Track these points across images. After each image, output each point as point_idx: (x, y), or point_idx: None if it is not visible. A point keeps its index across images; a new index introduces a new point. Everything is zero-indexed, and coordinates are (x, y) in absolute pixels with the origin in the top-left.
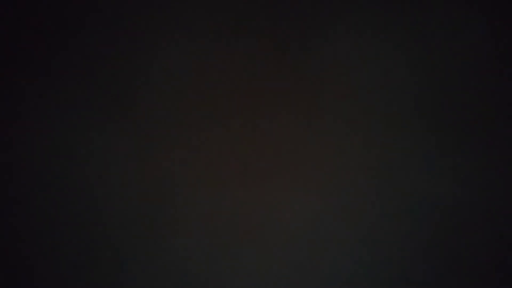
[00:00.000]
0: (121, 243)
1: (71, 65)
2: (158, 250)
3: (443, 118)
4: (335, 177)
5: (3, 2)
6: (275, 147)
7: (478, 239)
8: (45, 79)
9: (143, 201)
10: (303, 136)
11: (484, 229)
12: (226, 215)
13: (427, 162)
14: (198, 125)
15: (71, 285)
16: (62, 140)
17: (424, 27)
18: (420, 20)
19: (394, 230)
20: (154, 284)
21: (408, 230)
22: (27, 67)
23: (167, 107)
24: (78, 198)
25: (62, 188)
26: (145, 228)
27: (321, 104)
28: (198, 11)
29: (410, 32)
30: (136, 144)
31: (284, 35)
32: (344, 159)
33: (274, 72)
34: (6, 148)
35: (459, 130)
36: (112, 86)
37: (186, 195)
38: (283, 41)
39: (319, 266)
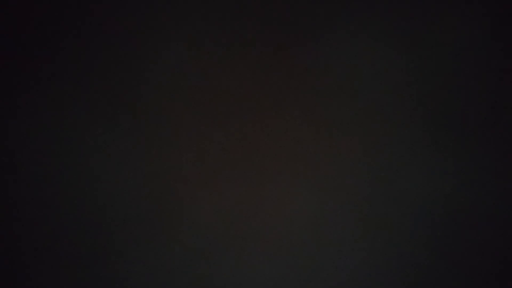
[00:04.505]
0: (122, 242)
1: (73, 66)
2: (159, 250)
3: (443, 118)
4: (335, 177)
5: (3, 2)
6: (276, 147)
7: (479, 239)
8: (48, 79)
9: (144, 201)
10: (304, 136)
11: (485, 229)
12: (226, 214)
13: (427, 162)
14: (199, 125)
15: (72, 285)
16: (65, 140)
17: (424, 28)
18: (420, 21)
19: (394, 230)
20: (154, 283)
21: (408, 230)
22: (29, 68)
23: (169, 108)
24: (79, 197)
25: (64, 188)
26: (146, 228)
27: (321, 104)
28: (198, 12)
29: (410, 33)
30: (137, 144)
31: (284, 36)
32: (345, 159)
33: (274, 72)
34: (8, 148)
35: (459, 130)
36: (114, 87)
37: (186, 195)
38: (283, 42)
39: (319, 265)
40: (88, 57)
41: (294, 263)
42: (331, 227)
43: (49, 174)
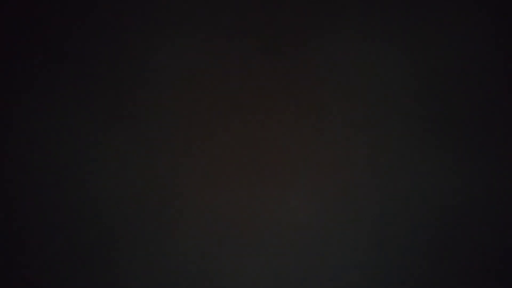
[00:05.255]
0: (122, 243)
1: (70, 66)
2: (158, 250)
3: (443, 117)
4: (335, 177)
5: (3, 2)
6: (275, 147)
7: (479, 239)
8: (45, 80)
9: (143, 202)
10: (303, 136)
11: (485, 229)
12: (226, 215)
13: (427, 162)
14: (198, 125)
15: (71, 285)
16: (62, 141)
17: (424, 27)
18: (420, 20)
19: (394, 230)
20: (154, 284)
21: (408, 230)
22: (26, 69)
23: (167, 108)
24: (78, 199)
25: (62, 189)
26: (145, 228)
27: (321, 104)
28: (197, 11)
29: (410, 32)
30: (136, 144)
31: (284, 34)
32: (344, 159)
33: (274, 72)
34: (6, 150)
35: (460, 130)
36: (111, 87)
37: (186, 195)
38: (283, 41)
39: (319, 266)
40: (86, 57)
41: (295, 264)
42: (332, 227)
43: (47, 175)
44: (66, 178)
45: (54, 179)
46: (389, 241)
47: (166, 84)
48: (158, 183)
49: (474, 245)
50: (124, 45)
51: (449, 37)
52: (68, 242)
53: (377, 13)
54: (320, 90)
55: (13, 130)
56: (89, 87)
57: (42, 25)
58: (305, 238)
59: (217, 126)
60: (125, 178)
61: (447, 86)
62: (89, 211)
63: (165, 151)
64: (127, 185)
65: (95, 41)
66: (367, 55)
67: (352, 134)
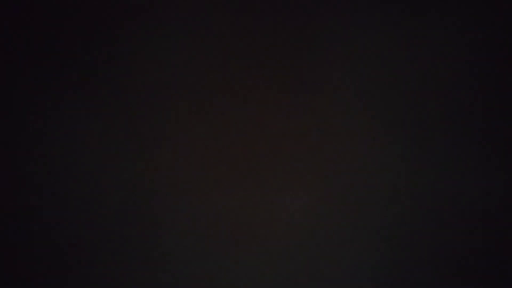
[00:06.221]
0: (117, 244)
1: (68, 64)
2: (155, 251)
3: (443, 117)
4: (334, 177)
5: (3, 2)
6: (274, 147)
7: (478, 239)
8: (44, 77)
9: (140, 202)
10: (302, 136)
11: (484, 229)
12: (224, 215)
13: (426, 162)
14: (196, 125)
15: (68, 285)
16: (57, 139)
17: (425, 28)
18: (421, 20)
19: (393, 230)
20: (151, 284)
21: (407, 230)
22: (25, 69)
23: (164, 107)
24: (74, 198)
25: (61, 189)
26: (141, 229)
27: (320, 104)
28: (197, 9)
29: (410, 32)
30: (132, 144)
31: (284, 34)
32: (344, 159)
33: (272, 72)
34: (5, 150)
35: (459, 130)
36: (107, 85)
37: (182, 196)
38: (283, 41)
39: (318, 266)
40: (83, 55)
41: (292, 264)
42: (331, 228)
43: (43, 173)
44: (65, 179)
45: (53, 180)
46: (388, 242)
47: (164, 84)
48: (155, 185)
49: (473, 245)
50: (124, 44)
51: (449, 38)
52: (67, 243)
53: (378, 13)
54: (319, 90)
55: (12, 131)
56: (87, 86)
57: (42, 25)
58: (303, 239)
59: (215, 126)
60: (122, 179)
61: (447, 86)
62: (88, 211)
63: (163, 152)
64: (125, 185)
65: (94, 40)
66: (368, 54)
67: (352, 134)
